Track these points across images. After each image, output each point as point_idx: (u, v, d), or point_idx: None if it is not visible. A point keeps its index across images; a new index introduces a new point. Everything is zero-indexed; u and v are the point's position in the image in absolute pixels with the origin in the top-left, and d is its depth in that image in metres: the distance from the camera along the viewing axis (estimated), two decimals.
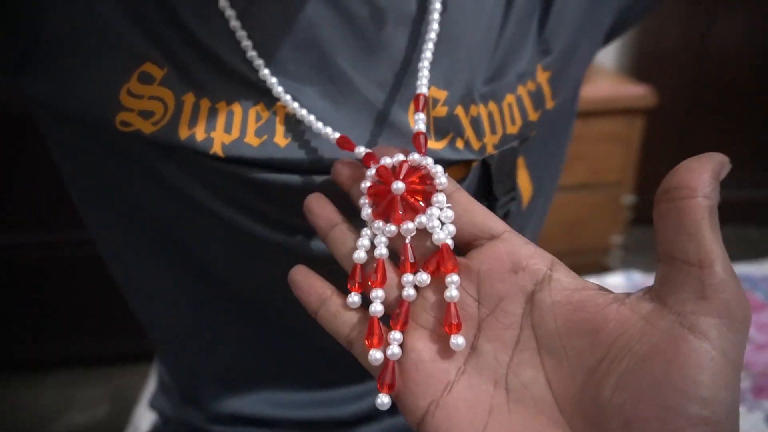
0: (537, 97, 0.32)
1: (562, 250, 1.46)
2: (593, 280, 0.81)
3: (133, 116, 0.27)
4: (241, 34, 0.27)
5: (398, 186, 0.24)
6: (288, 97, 0.27)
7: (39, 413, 1.29)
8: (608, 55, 1.58)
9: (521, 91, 0.31)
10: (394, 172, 0.24)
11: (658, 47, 1.56)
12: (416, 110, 0.26)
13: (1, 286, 1.33)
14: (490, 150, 0.30)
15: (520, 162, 0.34)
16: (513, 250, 0.22)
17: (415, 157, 0.24)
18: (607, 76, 1.43)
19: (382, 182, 0.24)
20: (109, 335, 1.38)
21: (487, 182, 0.31)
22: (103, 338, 1.39)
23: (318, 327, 0.32)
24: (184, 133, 0.27)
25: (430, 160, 0.24)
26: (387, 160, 0.25)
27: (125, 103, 0.27)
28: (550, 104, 0.33)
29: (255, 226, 0.30)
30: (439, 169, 0.24)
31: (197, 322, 0.37)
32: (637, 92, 1.31)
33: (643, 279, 0.82)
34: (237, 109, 0.27)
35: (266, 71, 0.27)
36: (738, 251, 1.40)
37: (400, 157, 0.25)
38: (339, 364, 0.37)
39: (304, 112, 0.27)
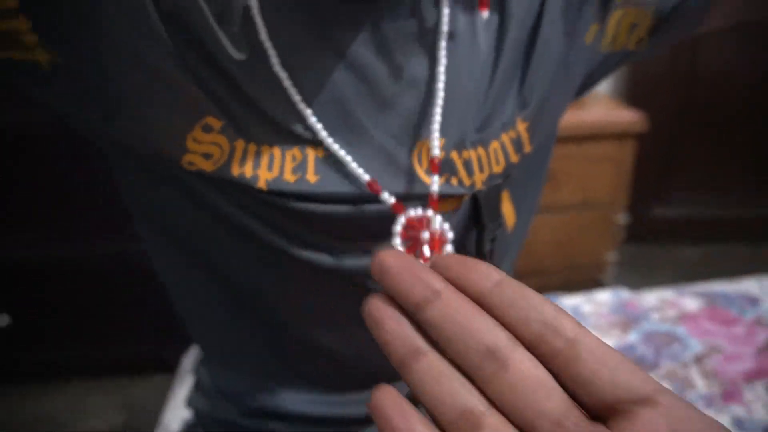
0: (517, 143, 0.39)
1: (559, 267, 1.53)
2: (585, 295, 0.88)
3: (197, 157, 0.34)
4: (297, 98, 0.34)
5: (425, 236, 0.32)
6: (331, 140, 0.34)
7: (54, 421, 1.35)
8: (604, 82, 1.66)
9: (504, 138, 0.38)
10: (419, 223, 0.32)
11: (649, 73, 1.63)
12: (433, 171, 0.34)
13: (18, 297, 1.40)
14: (479, 186, 0.37)
15: (505, 194, 0.41)
16: (679, 425, 0.16)
17: (429, 213, 0.33)
18: (601, 102, 1.50)
19: (411, 228, 0.32)
20: (123, 346, 1.44)
21: (476, 212, 0.38)
22: (117, 349, 1.45)
23: (337, 342, 0.38)
24: (236, 171, 0.34)
25: (439, 218, 0.32)
26: (411, 213, 0.32)
27: (191, 147, 0.34)
28: (528, 148, 0.40)
29: (290, 247, 0.36)
30: (446, 226, 0.31)
31: (232, 330, 0.44)
32: (628, 117, 1.39)
33: (630, 296, 0.88)
34: (277, 152, 0.35)
35: (313, 120, 0.34)
36: (726, 268, 1.46)
37: (420, 211, 0.32)
38: (352, 373, 0.43)
39: (342, 153, 0.34)
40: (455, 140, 0.36)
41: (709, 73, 1.62)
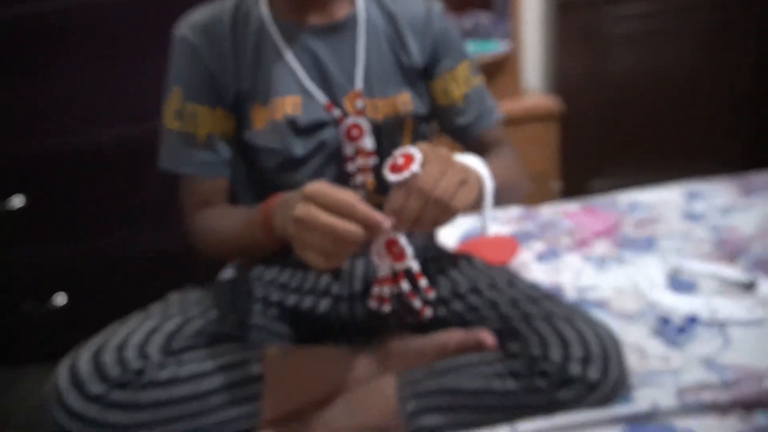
0: (403, 103, 0.79)
1: None
2: (504, 211, 1.25)
3: (257, 123, 0.75)
4: (297, 67, 0.75)
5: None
6: (316, 91, 0.75)
7: None
8: (535, 79, 2.07)
9: (398, 97, 0.79)
10: (355, 126, 0.75)
11: (572, 72, 2.04)
12: (356, 98, 0.74)
13: (74, 282, 1.71)
14: (380, 117, 0.77)
15: (407, 137, 0.79)
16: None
17: (359, 119, 0.75)
18: (531, 94, 1.91)
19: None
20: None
21: (379, 134, 0.78)
22: None
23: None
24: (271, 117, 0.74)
25: (365, 121, 0.75)
26: (350, 120, 0.74)
27: (255, 120, 0.76)
28: (410, 108, 0.80)
29: (290, 151, 0.76)
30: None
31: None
32: (549, 103, 1.79)
33: (535, 209, 1.25)
34: (281, 100, 0.74)
35: (306, 80, 0.75)
36: None
37: (354, 119, 0.74)
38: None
39: (318, 94, 0.74)
40: (367, 93, 0.76)
41: (618, 73, 2.03)
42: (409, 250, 0.62)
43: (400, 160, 0.57)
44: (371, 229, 0.54)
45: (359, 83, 0.76)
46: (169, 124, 0.77)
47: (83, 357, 0.63)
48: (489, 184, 0.68)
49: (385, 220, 0.55)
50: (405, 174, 0.56)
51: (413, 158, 0.57)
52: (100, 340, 0.66)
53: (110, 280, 1.70)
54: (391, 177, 0.57)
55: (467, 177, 0.60)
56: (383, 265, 0.62)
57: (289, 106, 0.74)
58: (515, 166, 0.84)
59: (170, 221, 1.33)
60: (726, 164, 2.14)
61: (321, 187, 0.55)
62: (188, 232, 0.81)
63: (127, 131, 1.56)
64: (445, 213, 0.58)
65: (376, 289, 0.68)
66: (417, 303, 0.70)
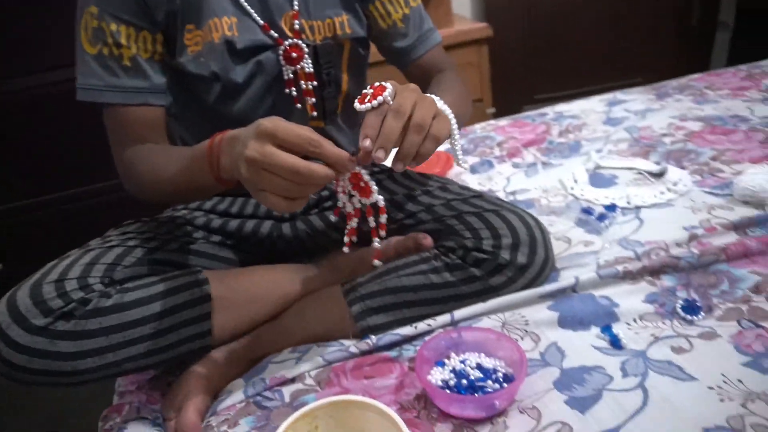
0: (341, 25, 0.78)
1: None
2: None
3: (191, 48, 0.72)
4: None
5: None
6: (252, 11, 0.73)
7: None
8: (465, 8, 2.07)
9: (335, 19, 0.78)
10: (294, 47, 0.74)
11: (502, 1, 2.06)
12: (295, 19, 0.73)
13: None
14: (318, 40, 0.77)
15: (344, 68, 0.79)
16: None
17: (298, 41, 0.75)
18: (463, 21, 1.92)
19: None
20: None
21: (316, 57, 0.77)
22: None
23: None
24: (206, 39, 0.72)
25: (302, 43, 0.74)
26: (287, 42, 0.74)
27: (188, 44, 0.72)
28: (348, 31, 0.79)
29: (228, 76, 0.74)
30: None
31: (202, 127, 0.80)
32: (477, 28, 1.81)
33: (470, 126, 1.29)
34: (218, 20, 0.72)
35: (244, 1, 0.73)
36: None
37: (292, 41, 0.74)
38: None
39: (255, 14, 0.72)
40: (305, 14, 0.75)
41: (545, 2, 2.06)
42: (373, 185, 0.57)
43: (371, 91, 0.55)
44: (337, 167, 0.51)
45: (296, 4, 0.75)
46: (86, 47, 0.69)
47: (21, 292, 0.61)
48: (453, 118, 0.63)
49: (364, 145, 0.52)
50: (378, 99, 0.53)
51: (384, 88, 0.54)
52: (37, 276, 0.64)
53: (46, 239, 1.65)
54: (362, 106, 0.54)
55: (439, 111, 0.57)
56: (349, 202, 0.59)
57: (225, 27, 0.72)
58: (463, 90, 0.83)
59: (104, 171, 1.30)
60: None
61: (278, 123, 0.49)
62: (119, 171, 0.74)
63: (50, 79, 1.48)
64: (428, 140, 0.54)
65: (350, 225, 0.62)
66: (381, 234, 0.63)
